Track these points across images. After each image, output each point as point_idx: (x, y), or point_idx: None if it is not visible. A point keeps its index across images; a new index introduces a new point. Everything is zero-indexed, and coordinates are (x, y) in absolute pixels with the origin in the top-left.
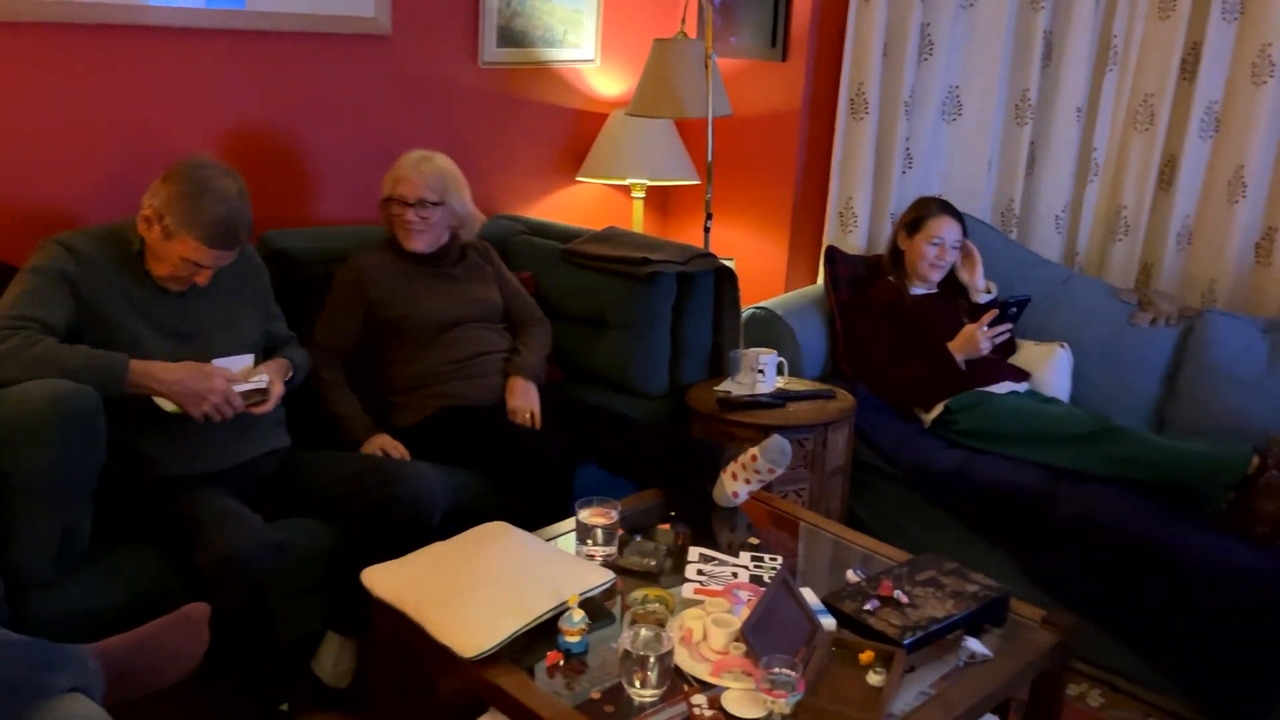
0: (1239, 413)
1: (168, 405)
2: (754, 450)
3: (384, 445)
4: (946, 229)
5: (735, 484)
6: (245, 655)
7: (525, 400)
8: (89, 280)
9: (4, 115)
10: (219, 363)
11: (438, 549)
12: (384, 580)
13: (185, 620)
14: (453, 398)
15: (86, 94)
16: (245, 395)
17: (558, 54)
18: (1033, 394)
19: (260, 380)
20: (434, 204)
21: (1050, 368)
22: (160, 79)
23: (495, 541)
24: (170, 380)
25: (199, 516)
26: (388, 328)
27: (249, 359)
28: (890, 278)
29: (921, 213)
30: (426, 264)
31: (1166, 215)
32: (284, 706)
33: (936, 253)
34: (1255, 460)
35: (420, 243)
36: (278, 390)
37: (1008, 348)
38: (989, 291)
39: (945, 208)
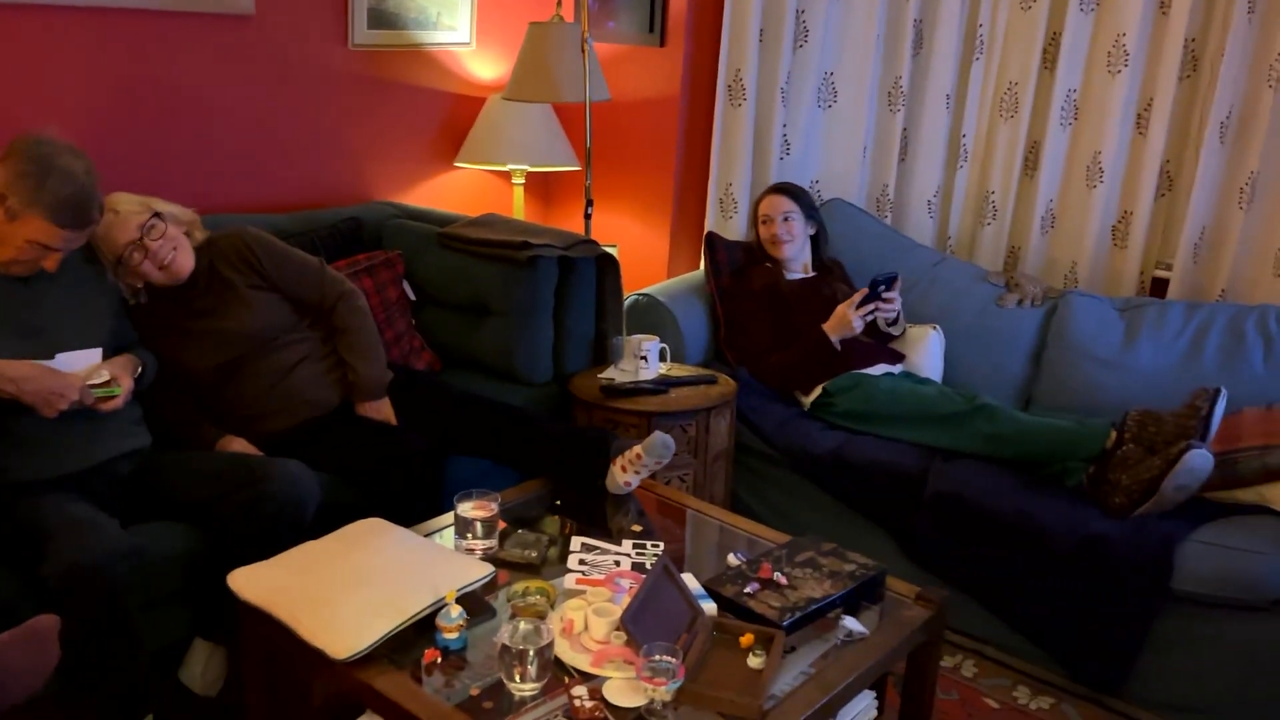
0: (1098, 389)
1: None
2: (638, 448)
3: (239, 447)
4: (770, 205)
5: (625, 475)
6: (103, 668)
7: (380, 414)
8: None
9: None
10: (62, 357)
11: (310, 548)
12: (252, 583)
13: (33, 634)
14: (281, 424)
15: None
16: (93, 389)
17: (432, 36)
18: (907, 375)
19: (103, 375)
20: (156, 215)
21: (923, 349)
22: (8, 56)
23: (371, 539)
24: (19, 378)
25: (46, 524)
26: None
27: (96, 354)
28: (768, 264)
29: (757, 199)
30: (175, 302)
31: (1032, 200)
32: (148, 718)
33: (767, 229)
34: (1113, 435)
35: (184, 261)
36: (127, 386)
37: (890, 327)
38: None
39: (772, 187)
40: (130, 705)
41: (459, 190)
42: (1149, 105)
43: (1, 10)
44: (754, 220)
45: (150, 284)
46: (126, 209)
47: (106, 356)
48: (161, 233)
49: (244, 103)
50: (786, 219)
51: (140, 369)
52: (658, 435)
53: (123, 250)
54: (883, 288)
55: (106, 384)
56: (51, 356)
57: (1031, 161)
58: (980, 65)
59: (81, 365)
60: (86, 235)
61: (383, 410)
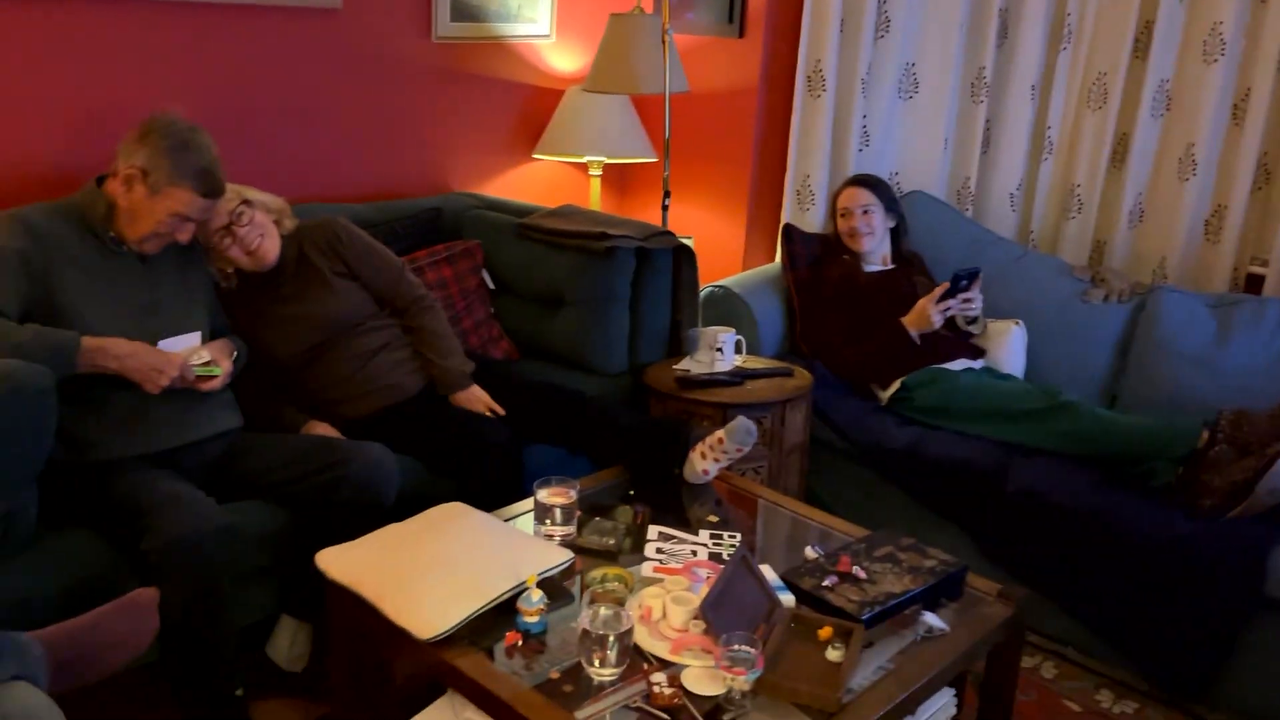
0: (1188, 387)
1: None
2: (720, 433)
3: (322, 431)
4: (850, 198)
5: (705, 462)
6: (197, 640)
7: (474, 405)
8: (48, 256)
9: None
10: (165, 344)
11: (394, 530)
12: (339, 562)
13: (133, 606)
14: (363, 409)
15: (35, 66)
16: (194, 368)
17: (513, 29)
18: (988, 370)
19: (204, 356)
20: (246, 202)
21: (1005, 345)
22: (106, 52)
23: (452, 522)
24: (124, 354)
25: (146, 500)
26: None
27: (196, 338)
28: (846, 256)
29: (836, 191)
30: (263, 288)
31: (1119, 193)
32: (239, 691)
33: (846, 221)
34: (1204, 434)
35: (270, 248)
36: (226, 368)
37: (969, 325)
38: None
39: (852, 179)
40: (222, 677)
41: (537, 181)
42: (1246, 95)
43: (105, 5)
44: (832, 212)
45: (240, 270)
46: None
47: (205, 341)
48: (250, 219)
49: (330, 95)
50: (866, 211)
51: (236, 354)
52: (741, 420)
53: (213, 235)
54: (964, 282)
55: (206, 364)
56: (160, 335)
57: (1120, 153)
58: (1068, 55)
59: (182, 348)
60: (217, 208)
61: (475, 398)
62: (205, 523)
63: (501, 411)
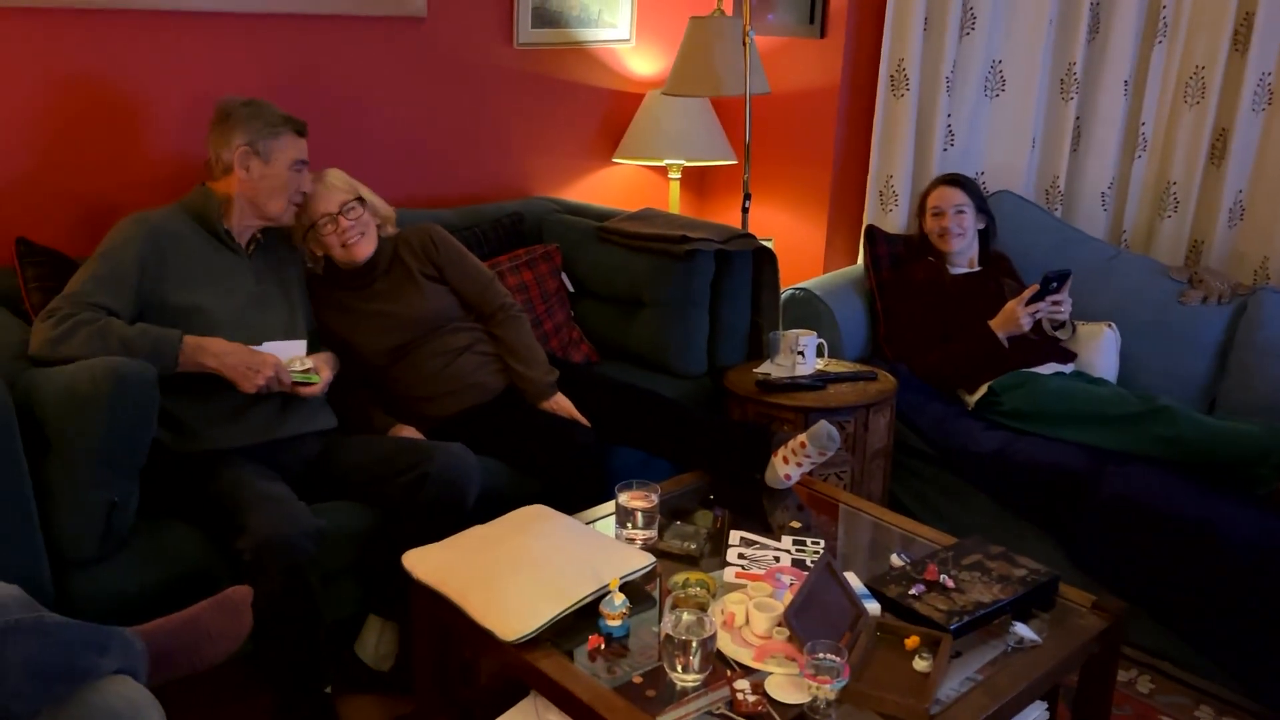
0: None
1: None
2: (802, 436)
3: (408, 434)
4: (942, 197)
5: (787, 467)
6: (288, 638)
7: (562, 412)
8: (166, 252)
9: (46, 103)
10: (269, 346)
11: (478, 532)
12: (425, 563)
13: (228, 603)
14: (449, 408)
15: (131, 79)
16: (294, 375)
17: (593, 34)
18: (1079, 374)
19: (306, 363)
20: (358, 200)
21: (1097, 348)
22: (201, 63)
23: (535, 524)
24: (221, 353)
25: (242, 498)
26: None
27: (301, 345)
28: (931, 258)
29: (925, 190)
30: (354, 285)
31: (1218, 191)
32: (326, 689)
33: (937, 222)
34: None
35: (365, 248)
36: (326, 377)
37: (1057, 331)
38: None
39: (943, 178)
40: (311, 674)
41: (616, 185)
42: None
43: (208, 19)
44: (919, 212)
45: (330, 263)
46: (335, 183)
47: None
48: (358, 215)
49: (415, 101)
50: (960, 211)
51: (337, 367)
52: (822, 424)
53: (318, 218)
54: (1054, 285)
55: (306, 371)
56: (267, 327)
57: (1218, 150)
58: (1163, 49)
59: (286, 356)
60: (325, 191)
61: (560, 407)
62: (297, 525)
63: (586, 424)
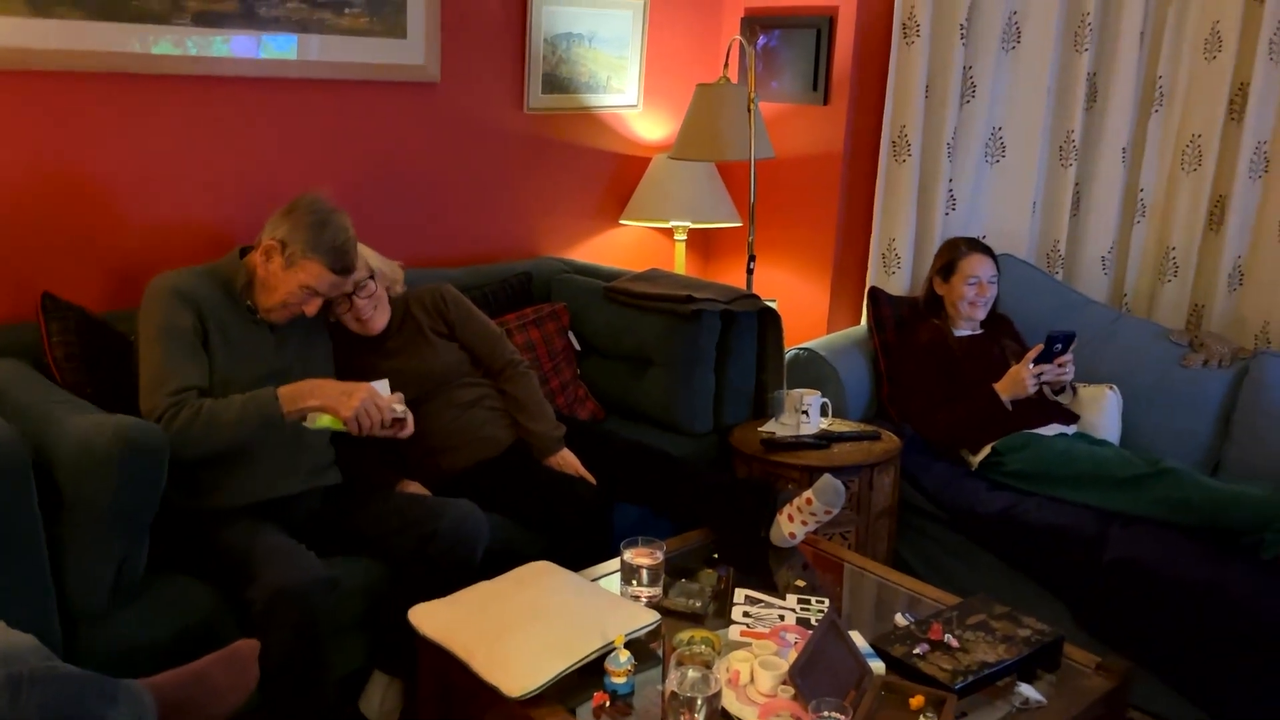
0: None
1: (321, 421)
2: (808, 493)
3: (414, 489)
4: (981, 266)
5: (792, 525)
6: (296, 690)
7: (569, 468)
8: (204, 320)
9: (73, 159)
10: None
11: (484, 588)
12: (431, 618)
13: (235, 656)
14: (460, 462)
15: (151, 141)
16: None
17: (601, 99)
18: (1082, 436)
19: (399, 401)
20: (370, 276)
21: (1100, 410)
22: (220, 125)
23: (541, 581)
24: (315, 389)
25: (252, 549)
26: None
27: (384, 384)
28: (935, 320)
29: (952, 255)
30: (368, 344)
31: (1217, 256)
32: None
33: (976, 291)
34: None
35: (380, 321)
36: (410, 420)
37: (1058, 395)
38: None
39: (975, 245)
40: None
41: (623, 246)
42: None
43: (227, 82)
44: (941, 275)
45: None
46: None
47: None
48: (371, 292)
49: (427, 163)
50: (992, 281)
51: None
52: (827, 479)
53: (334, 297)
54: (1059, 345)
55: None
56: None
57: (1217, 216)
58: (1159, 117)
59: (380, 393)
60: (347, 284)
61: (567, 462)
62: (308, 574)
63: (592, 480)
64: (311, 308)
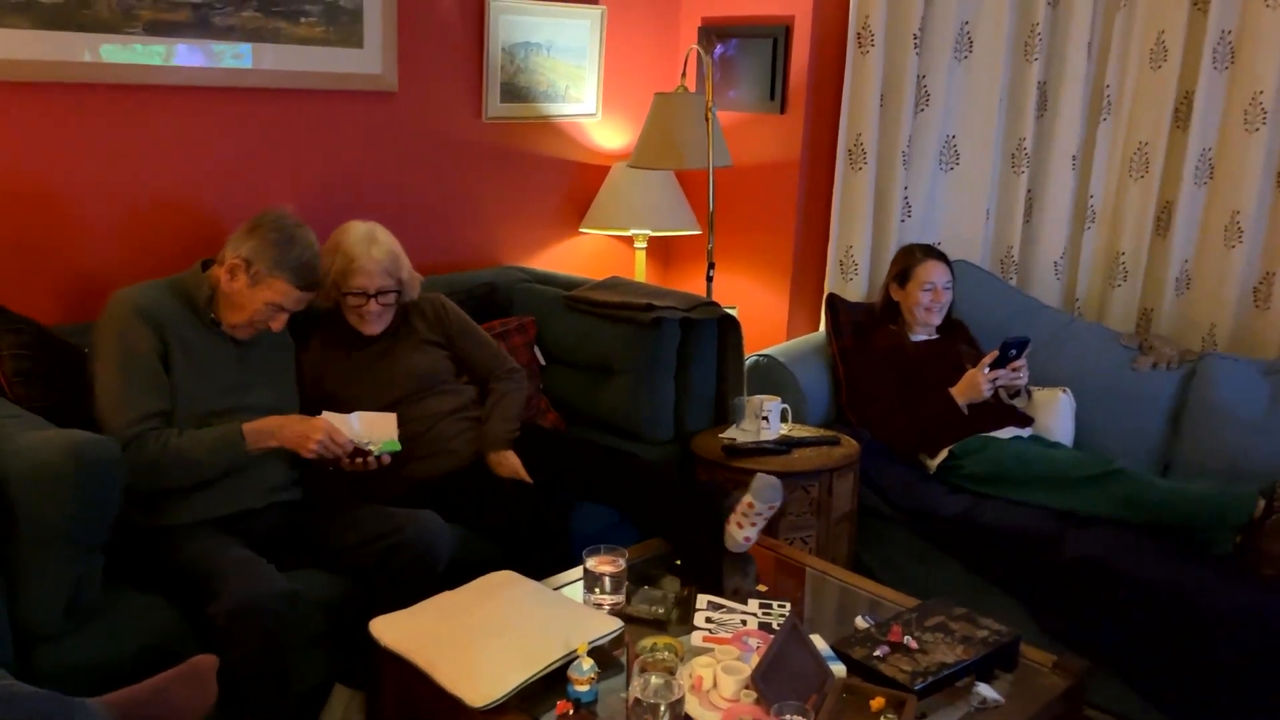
0: (1243, 454)
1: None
2: (747, 497)
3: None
4: (936, 273)
5: (742, 531)
6: (258, 706)
7: (504, 469)
8: (164, 336)
9: (26, 171)
10: (358, 416)
11: (446, 598)
12: (392, 630)
13: (193, 672)
14: (429, 470)
15: (104, 152)
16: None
17: (560, 108)
18: (1036, 438)
19: (393, 425)
20: (394, 290)
21: (1053, 412)
22: (173, 134)
23: (503, 590)
24: (276, 429)
25: (212, 564)
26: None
27: (392, 419)
28: (893, 325)
29: (908, 262)
30: (363, 343)
31: (1165, 260)
32: None
33: (931, 297)
34: (1260, 502)
35: (378, 327)
36: (385, 457)
37: (1012, 399)
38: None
39: (930, 252)
40: None
41: (583, 254)
42: None
43: (179, 91)
44: (898, 282)
45: (345, 327)
46: (381, 261)
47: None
48: (389, 301)
49: (386, 173)
50: (947, 287)
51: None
52: (761, 477)
53: (352, 289)
54: (1013, 352)
55: (390, 441)
56: (249, 409)
57: (1164, 221)
58: (1108, 125)
59: (372, 425)
60: (310, 299)
61: (508, 461)
62: (270, 587)
63: (530, 482)
64: (278, 324)
